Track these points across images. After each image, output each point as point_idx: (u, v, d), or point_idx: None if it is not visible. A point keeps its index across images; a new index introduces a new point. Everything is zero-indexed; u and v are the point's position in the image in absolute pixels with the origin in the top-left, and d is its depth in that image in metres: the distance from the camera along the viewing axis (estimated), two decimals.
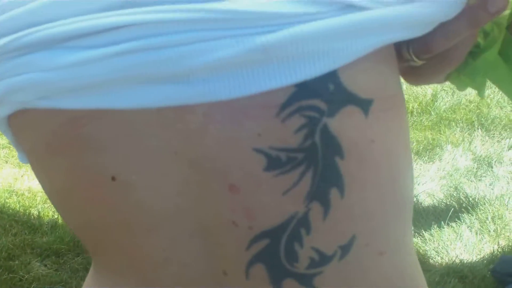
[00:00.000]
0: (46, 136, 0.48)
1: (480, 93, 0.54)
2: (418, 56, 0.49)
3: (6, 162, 3.58)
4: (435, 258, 2.66)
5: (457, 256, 2.65)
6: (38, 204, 3.21)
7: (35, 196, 3.25)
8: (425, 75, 0.52)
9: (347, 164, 0.46)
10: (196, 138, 0.45)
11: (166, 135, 0.46)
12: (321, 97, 0.44)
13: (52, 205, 3.21)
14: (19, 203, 3.20)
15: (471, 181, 3.18)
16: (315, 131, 0.45)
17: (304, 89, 0.44)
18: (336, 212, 0.46)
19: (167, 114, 0.45)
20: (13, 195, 3.27)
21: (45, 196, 3.32)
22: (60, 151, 0.48)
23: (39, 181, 0.53)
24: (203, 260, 0.48)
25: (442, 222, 2.84)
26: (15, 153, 3.71)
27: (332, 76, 0.44)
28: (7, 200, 3.22)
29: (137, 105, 0.45)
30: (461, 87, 0.56)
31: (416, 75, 0.53)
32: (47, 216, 3.12)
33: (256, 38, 0.42)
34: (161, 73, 0.43)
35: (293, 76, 0.43)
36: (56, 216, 3.13)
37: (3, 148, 3.66)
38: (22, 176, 3.45)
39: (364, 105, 0.46)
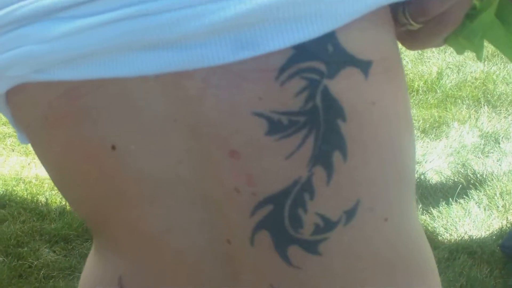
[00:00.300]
0: (43, 109, 0.48)
1: (479, 55, 0.53)
2: (414, 20, 0.48)
3: (13, 150, 3.58)
4: (443, 235, 2.65)
5: (465, 233, 2.65)
6: (46, 191, 3.21)
7: (42, 183, 3.26)
8: (422, 39, 0.51)
9: (349, 127, 0.45)
10: (195, 104, 0.44)
11: (165, 102, 0.45)
12: (320, 58, 0.44)
13: (59, 192, 3.20)
14: (26, 191, 3.21)
15: (478, 157, 3.17)
16: (316, 94, 0.44)
17: (302, 51, 0.43)
18: (339, 176, 0.45)
19: (165, 81, 0.44)
20: (21, 182, 3.27)
21: (53, 183, 3.34)
22: (59, 123, 0.48)
23: (40, 159, 0.52)
24: (206, 229, 0.47)
25: (450, 199, 2.83)
26: None
27: (330, 38, 0.43)
28: (14, 188, 3.23)
29: (134, 72, 0.44)
30: (460, 50, 0.55)
31: (413, 39, 0.52)
32: (55, 202, 3.13)
33: (253, 0, 0.41)
34: (157, 39, 0.42)
35: (291, 38, 0.42)
36: (64, 203, 3.13)
37: (9, 136, 3.67)
38: (29, 164, 3.46)
39: (364, 66, 0.45)
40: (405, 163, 0.50)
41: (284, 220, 0.45)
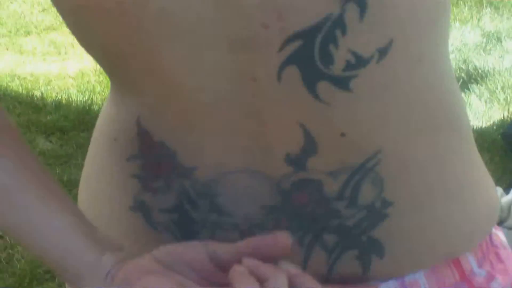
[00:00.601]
0: None
1: None
2: None
3: (7, 49, 3.53)
4: None
5: None
6: (41, 86, 3.18)
7: (37, 79, 3.22)
8: None
9: None
10: None
11: None
12: None
13: (55, 87, 3.18)
14: (21, 86, 3.17)
15: (480, 54, 3.13)
16: None
17: None
18: (372, 13, 0.42)
19: None
20: (16, 79, 3.23)
21: (48, 79, 3.30)
22: None
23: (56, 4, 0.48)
24: (229, 68, 0.44)
25: None
26: (15, 40, 3.66)
27: None
28: (9, 84, 3.19)
29: None
30: None
31: None
32: (51, 97, 3.09)
33: None
34: None
35: None
36: (59, 97, 3.10)
37: (2, 36, 3.61)
38: (24, 62, 3.41)
39: None
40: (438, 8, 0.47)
41: (314, 56, 0.42)
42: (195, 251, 0.44)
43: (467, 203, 0.51)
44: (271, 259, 0.43)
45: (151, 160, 0.48)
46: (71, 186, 2.49)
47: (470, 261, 0.51)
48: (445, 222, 0.49)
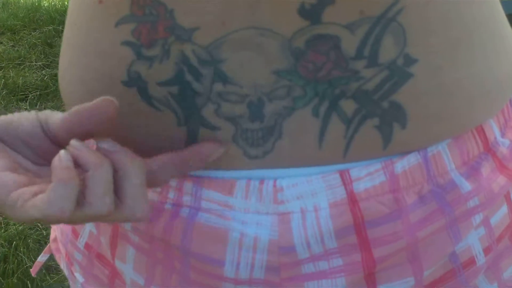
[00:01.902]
0: None
1: None
2: None
3: None
4: None
5: None
6: None
7: None
8: None
9: None
10: None
11: None
12: None
13: None
14: None
15: None
16: None
17: None
18: None
19: None
20: None
21: None
22: None
23: None
24: None
25: None
26: None
27: None
28: None
29: None
30: None
31: None
32: None
33: None
34: None
35: None
36: None
37: None
38: None
39: None
40: None
41: None
42: (30, 124, 0.40)
43: (492, 59, 0.46)
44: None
45: (145, 22, 0.42)
46: (27, 90, 2.42)
47: (494, 129, 0.48)
48: (470, 82, 0.45)
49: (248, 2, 0.40)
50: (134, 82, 0.44)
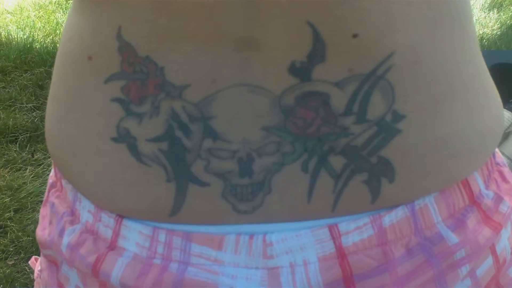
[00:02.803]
0: None
1: None
2: None
3: None
4: None
5: None
6: None
7: None
8: None
9: None
10: None
11: None
12: None
13: None
14: None
15: None
16: None
17: None
18: None
19: None
20: None
21: None
22: None
23: None
24: None
25: None
26: None
27: None
28: None
29: None
30: None
31: None
32: None
33: None
34: None
35: None
36: None
37: None
38: None
39: None
40: None
41: None
42: None
43: (477, 114, 0.47)
44: None
45: (135, 79, 0.43)
46: (17, 132, 2.42)
47: (478, 182, 0.49)
48: (455, 137, 0.46)
49: (238, 60, 0.41)
50: (123, 138, 0.44)
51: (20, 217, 2.03)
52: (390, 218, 0.45)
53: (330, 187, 0.43)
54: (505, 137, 1.69)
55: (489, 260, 0.49)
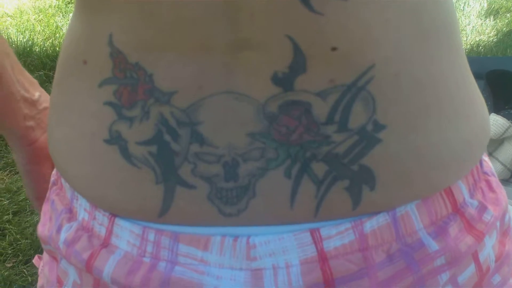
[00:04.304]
0: None
1: None
2: None
3: None
4: None
5: None
6: None
7: None
8: None
9: None
10: None
11: None
12: None
13: None
14: None
15: None
16: None
17: None
18: None
19: None
20: None
21: None
22: None
23: None
24: None
25: None
26: None
27: None
28: None
29: None
30: None
31: None
32: None
33: None
34: None
35: None
36: None
37: None
38: None
39: None
40: None
41: None
42: None
43: (462, 124, 0.49)
44: None
45: (126, 84, 0.45)
46: None
47: (462, 190, 0.50)
48: (440, 146, 0.47)
49: (223, 69, 0.43)
50: (115, 140, 0.46)
51: (18, 220, 2.04)
52: (371, 224, 0.46)
53: (312, 193, 0.45)
54: (500, 143, 1.69)
55: (472, 268, 0.51)
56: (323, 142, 0.44)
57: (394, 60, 0.44)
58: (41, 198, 0.68)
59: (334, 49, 0.42)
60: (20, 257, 1.89)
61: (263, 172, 0.44)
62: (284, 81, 0.42)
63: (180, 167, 0.45)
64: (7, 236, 1.95)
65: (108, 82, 0.45)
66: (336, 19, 0.41)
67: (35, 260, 0.67)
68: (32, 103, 0.65)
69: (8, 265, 1.88)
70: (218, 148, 0.44)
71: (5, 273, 1.84)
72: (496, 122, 1.65)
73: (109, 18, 0.44)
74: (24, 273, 1.87)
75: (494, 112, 1.69)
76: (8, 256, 1.90)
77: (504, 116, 1.66)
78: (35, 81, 0.66)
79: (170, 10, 0.42)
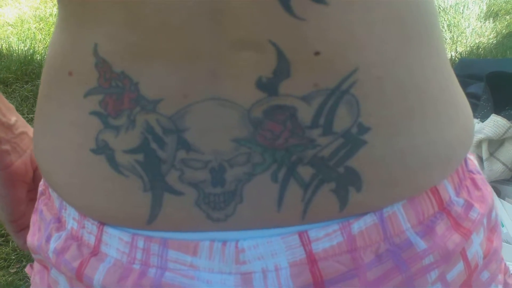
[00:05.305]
0: None
1: None
2: None
3: None
4: None
5: None
6: None
7: None
8: None
9: None
10: None
11: None
12: None
13: None
14: None
15: None
16: None
17: None
18: None
19: None
20: None
21: None
22: None
23: None
24: None
25: None
26: None
27: None
28: None
29: None
30: None
31: None
32: None
33: None
34: None
35: None
36: (0, 46, 2.98)
37: None
38: None
39: None
40: None
41: None
42: None
43: (446, 126, 0.49)
44: None
45: (111, 94, 0.45)
46: None
47: (448, 189, 0.50)
48: (424, 148, 0.47)
49: (208, 76, 0.43)
50: (102, 150, 0.46)
51: None
52: (359, 225, 0.46)
53: (299, 196, 0.45)
54: (501, 143, 1.70)
55: (460, 266, 0.51)
56: (309, 146, 0.44)
57: (378, 63, 0.44)
58: (15, 221, 0.69)
59: (317, 53, 0.42)
60: (24, 263, 1.90)
61: (250, 177, 0.45)
62: (268, 86, 0.43)
63: (167, 174, 0.45)
64: (10, 242, 1.96)
65: (93, 92, 0.46)
66: (318, 24, 0.42)
67: (27, 269, 0.68)
68: (9, 127, 0.66)
69: (12, 271, 1.89)
70: (204, 154, 0.44)
71: (9, 279, 1.85)
72: (497, 123, 1.65)
73: (94, 27, 0.45)
74: (28, 278, 1.87)
75: (495, 113, 1.69)
76: (12, 262, 1.91)
77: (504, 116, 1.67)
78: (12, 106, 0.66)
79: (155, 17, 0.42)
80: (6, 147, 0.65)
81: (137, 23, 0.43)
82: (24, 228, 0.69)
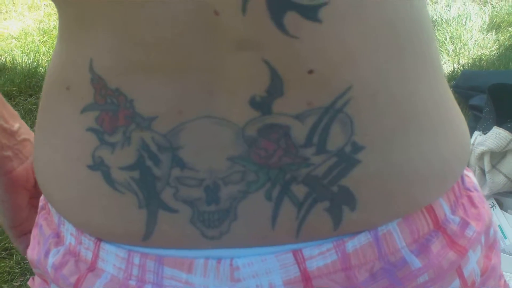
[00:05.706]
0: None
1: None
2: None
3: None
4: None
5: None
6: None
7: None
8: None
9: None
10: None
11: None
12: None
13: None
14: None
15: (427, 4, 3.14)
16: None
17: None
18: None
19: None
20: None
21: None
22: None
23: None
24: (190, 1, 0.41)
25: None
26: None
27: None
28: None
29: None
30: None
31: None
32: None
33: None
34: None
35: None
36: (4, 59, 3.00)
37: None
38: None
39: None
40: None
41: None
42: None
43: (441, 141, 0.49)
44: None
45: (107, 110, 0.45)
46: None
47: (444, 207, 0.50)
48: (419, 165, 0.47)
49: (202, 93, 0.43)
50: (98, 166, 0.46)
51: None
52: (353, 243, 0.46)
53: (293, 215, 0.45)
54: (503, 156, 1.70)
55: (456, 283, 0.51)
56: (302, 164, 0.44)
57: (372, 79, 0.44)
58: (16, 227, 0.69)
59: (310, 72, 0.42)
60: (28, 276, 1.90)
61: (244, 195, 0.45)
62: (262, 105, 0.43)
63: (162, 192, 0.45)
64: (14, 256, 1.96)
65: (89, 108, 0.46)
66: (311, 42, 0.42)
67: (29, 282, 0.68)
68: (11, 133, 0.66)
69: (16, 284, 1.88)
70: (199, 172, 0.45)
71: (15, 285, 1.85)
72: (499, 135, 1.65)
73: (89, 41, 0.45)
74: None
75: (497, 125, 1.69)
76: (16, 275, 1.90)
77: (506, 129, 1.67)
78: (16, 113, 0.67)
79: (150, 31, 0.42)
80: (8, 153, 0.66)
81: (129, 38, 0.43)
82: (25, 233, 0.70)
